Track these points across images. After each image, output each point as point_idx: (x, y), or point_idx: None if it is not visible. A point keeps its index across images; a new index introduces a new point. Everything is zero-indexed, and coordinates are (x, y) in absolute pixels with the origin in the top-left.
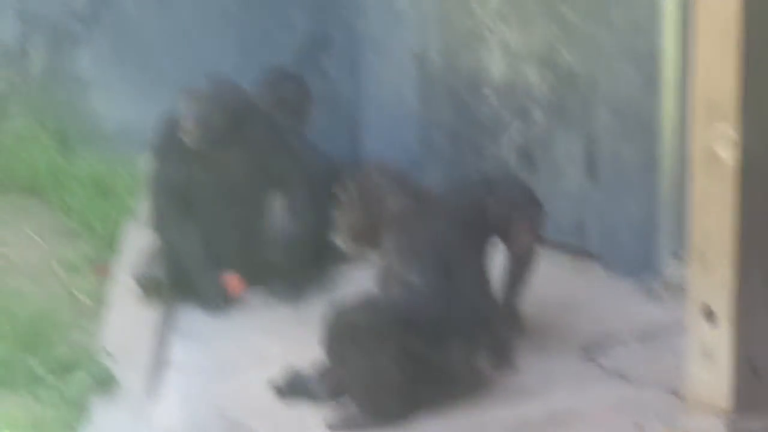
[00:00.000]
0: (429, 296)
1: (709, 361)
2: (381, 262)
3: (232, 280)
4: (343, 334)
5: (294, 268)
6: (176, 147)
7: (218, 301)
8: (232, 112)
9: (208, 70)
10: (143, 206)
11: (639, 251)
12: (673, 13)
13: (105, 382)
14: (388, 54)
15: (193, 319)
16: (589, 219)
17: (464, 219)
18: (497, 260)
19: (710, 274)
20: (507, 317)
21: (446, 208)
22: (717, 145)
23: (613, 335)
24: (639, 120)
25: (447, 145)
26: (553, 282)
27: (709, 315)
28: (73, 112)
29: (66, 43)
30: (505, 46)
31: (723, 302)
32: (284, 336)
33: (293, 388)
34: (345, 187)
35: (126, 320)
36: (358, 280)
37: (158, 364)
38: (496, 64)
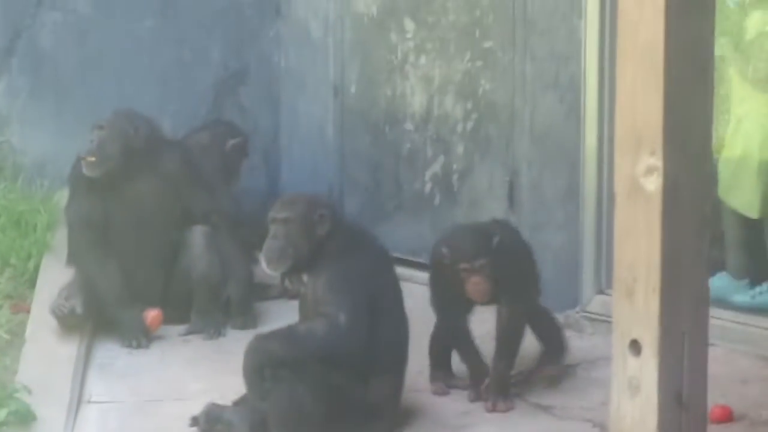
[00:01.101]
0: (353, 333)
1: (634, 394)
2: (307, 293)
3: (151, 314)
4: (263, 365)
5: (213, 303)
6: (88, 178)
7: (137, 335)
8: (128, 141)
9: (126, 104)
10: (61, 241)
11: (561, 283)
12: (594, 43)
13: (23, 418)
14: (306, 86)
15: (112, 353)
16: None
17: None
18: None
19: (635, 305)
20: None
21: (379, 247)
22: (641, 174)
23: (537, 368)
24: (560, 150)
25: (366, 177)
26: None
27: (635, 347)
28: None
29: None
30: (425, 77)
31: (649, 334)
32: (205, 371)
33: (214, 424)
34: (275, 216)
35: (44, 355)
36: (283, 315)
37: (77, 399)
38: (416, 96)
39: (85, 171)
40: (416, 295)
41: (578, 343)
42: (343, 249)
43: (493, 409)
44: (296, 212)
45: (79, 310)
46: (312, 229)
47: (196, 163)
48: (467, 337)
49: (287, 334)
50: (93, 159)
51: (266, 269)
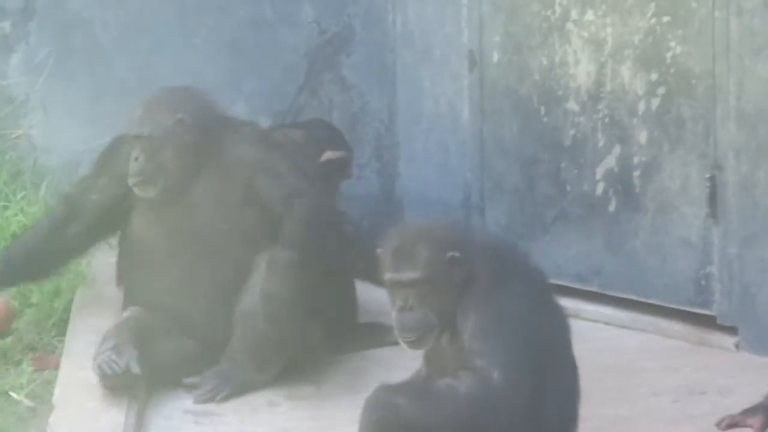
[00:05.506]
0: (512, 393)
1: None
2: (450, 343)
3: None
4: (388, 424)
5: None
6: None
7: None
8: (179, 141)
9: (183, 81)
10: (102, 268)
11: None
12: None
13: None
14: (431, 53)
15: (172, 423)
16: (713, 274)
17: None
18: None
19: None
20: None
21: (535, 272)
22: None
23: None
24: None
25: (515, 175)
26: (665, 362)
27: None
28: (2, 141)
29: None
30: (593, 39)
31: None
32: None
33: None
34: (396, 278)
35: (79, 426)
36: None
37: None
38: (582, 65)
39: (138, 191)
40: (585, 335)
41: None
42: (490, 282)
43: None
44: (423, 268)
45: (136, 369)
46: (448, 281)
47: (278, 150)
48: None
49: (421, 390)
50: (140, 179)
51: (408, 350)
